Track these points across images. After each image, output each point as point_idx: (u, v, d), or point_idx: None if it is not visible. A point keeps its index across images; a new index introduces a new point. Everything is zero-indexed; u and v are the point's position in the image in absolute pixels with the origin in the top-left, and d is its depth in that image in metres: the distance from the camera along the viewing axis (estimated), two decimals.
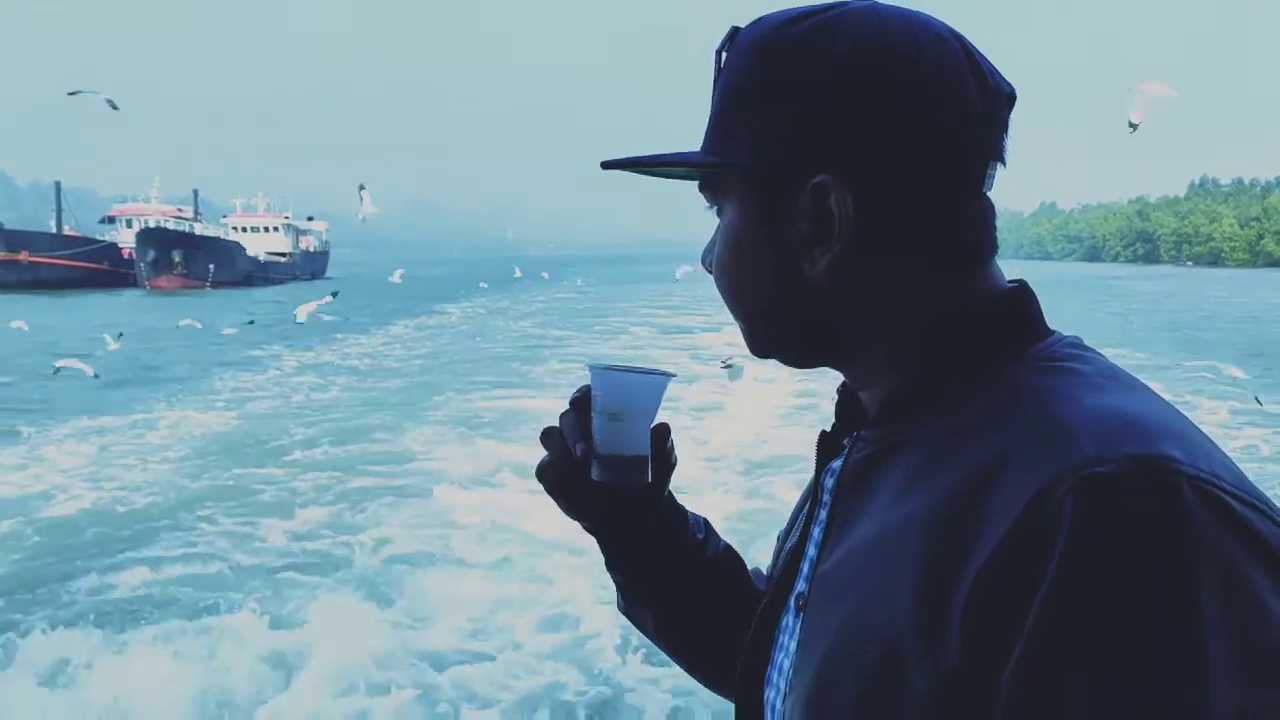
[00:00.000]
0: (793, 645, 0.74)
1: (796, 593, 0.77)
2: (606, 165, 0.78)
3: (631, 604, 0.97)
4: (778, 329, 0.75)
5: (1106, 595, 0.53)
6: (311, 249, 61.80)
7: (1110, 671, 0.53)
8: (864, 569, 0.67)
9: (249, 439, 11.35)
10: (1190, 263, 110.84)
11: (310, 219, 62.47)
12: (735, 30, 0.74)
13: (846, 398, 0.79)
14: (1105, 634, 0.53)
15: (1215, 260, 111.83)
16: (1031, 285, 0.74)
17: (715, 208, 0.77)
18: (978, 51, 0.70)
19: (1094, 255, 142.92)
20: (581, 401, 0.86)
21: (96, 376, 10.12)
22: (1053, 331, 0.72)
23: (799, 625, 0.74)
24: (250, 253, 52.46)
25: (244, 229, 55.36)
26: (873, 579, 0.65)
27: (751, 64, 0.71)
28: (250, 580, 6.74)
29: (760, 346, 0.77)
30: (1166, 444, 0.57)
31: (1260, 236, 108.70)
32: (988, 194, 0.71)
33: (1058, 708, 0.54)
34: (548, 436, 0.88)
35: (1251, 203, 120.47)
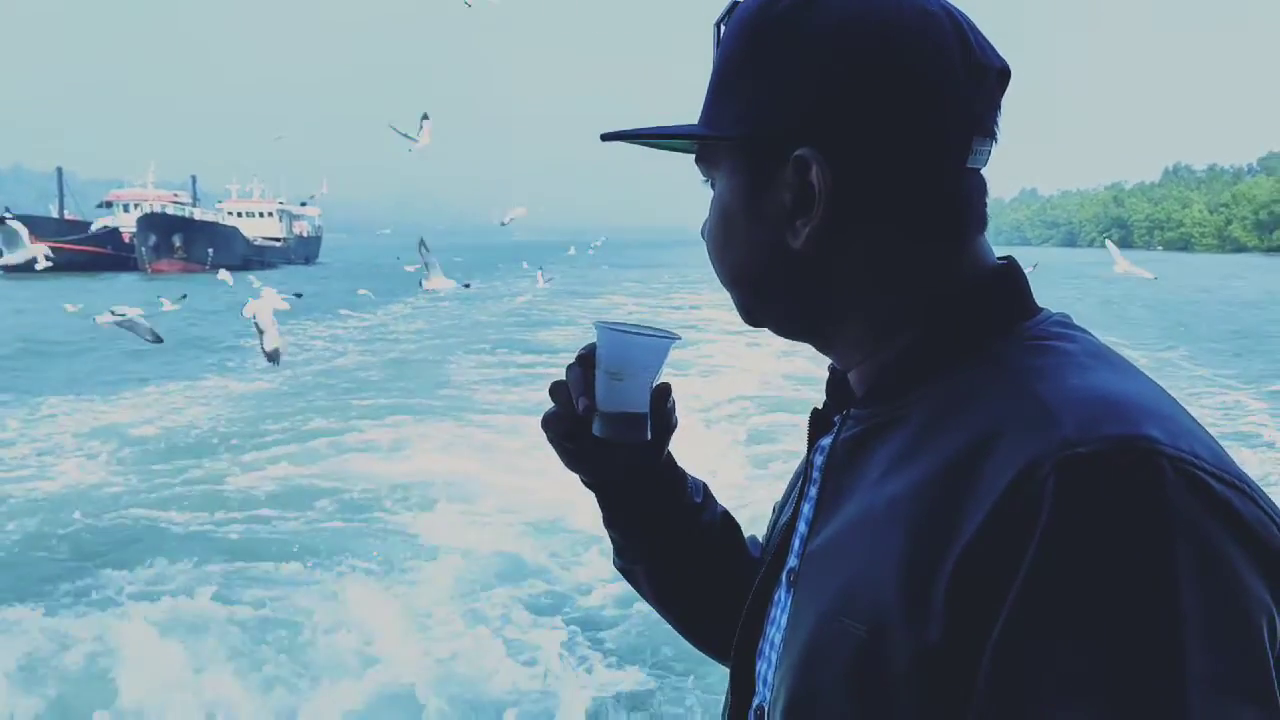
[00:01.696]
0: (783, 619, 0.76)
1: (788, 568, 0.78)
2: (606, 137, 0.79)
3: (628, 561, 0.99)
4: (764, 299, 0.76)
5: (1086, 572, 0.55)
6: (305, 234, 63.29)
7: (1089, 644, 0.54)
8: (851, 546, 0.68)
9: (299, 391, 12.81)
10: (1160, 247, 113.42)
11: (304, 204, 63.91)
12: (734, 4, 0.75)
13: (836, 376, 0.80)
14: (1085, 608, 0.54)
15: (1185, 245, 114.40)
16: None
17: (709, 180, 0.78)
18: (970, 26, 0.70)
19: (1071, 241, 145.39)
20: (588, 358, 0.87)
21: (160, 340, 11.66)
22: (1041, 309, 0.72)
23: (789, 600, 0.76)
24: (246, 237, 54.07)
25: (239, 214, 56.84)
26: (859, 556, 0.67)
27: (740, 38, 0.72)
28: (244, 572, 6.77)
29: (750, 315, 0.78)
30: (1148, 424, 0.58)
31: (1228, 222, 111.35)
32: (979, 170, 0.72)
33: (1038, 678, 0.55)
34: (556, 390, 0.89)
35: (1223, 189, 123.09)
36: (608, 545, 1.02)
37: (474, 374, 15.40)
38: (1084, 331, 0.70)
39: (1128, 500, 0.55)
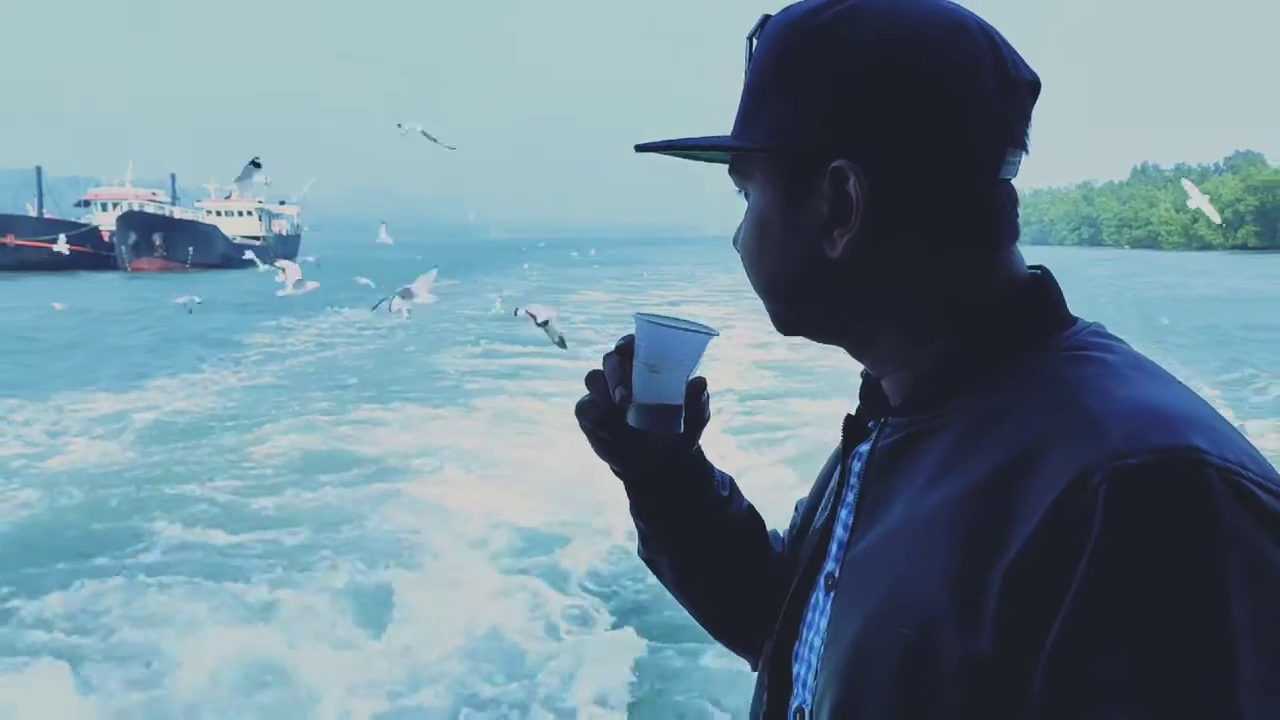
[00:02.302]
0: (823, 623, 0.76)
1: (825, 572, 0.79)
2: (641, 148, 0.81)
3: (653, 551, 0.99)
4: (800, 308, 0.77)
5: (1139, 581, 0.56)
6: (284, 232, 63.40)
7: (1144, 650, 0.55)
8: (897, 552, 0.69)
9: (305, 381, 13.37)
10: (1127, 246, 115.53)
11: (282, 203, 64.01)
12: (766, 18, 0.75)
13: (870, 383, 0.81)
14: (1138, 616, 0.55)
15: (1153, 243, 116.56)
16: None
17: (743, 191, 0.79)
18: (1002, 40, 0.71)
19: (1043, 239, 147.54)
20: (626, 349, 0.87)
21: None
22: (1076, 319, 0.73)
23: (829, 604, 0.76)
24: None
25: (218, 213, 56.98)
26: (906, 562, 0.67)
27: (776, 50, 0.73)
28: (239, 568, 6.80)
29: (785, 324, 0.79)
30: (1194, 435, 0.59)
31: (1194, 220, 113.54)
32: (1010, 181, 0.73)
33: (1093, 683, 0.56)
34: (592, 379, 0.90)
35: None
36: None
37: (464, 364, 16.13)
38: (1120, 341, 0.71)
39: (1178, 511, 0.56)
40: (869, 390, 0.82)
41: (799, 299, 0.77)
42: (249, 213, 58.65)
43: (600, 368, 0.91)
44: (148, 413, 12.09)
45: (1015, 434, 0.65)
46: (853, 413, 0.84)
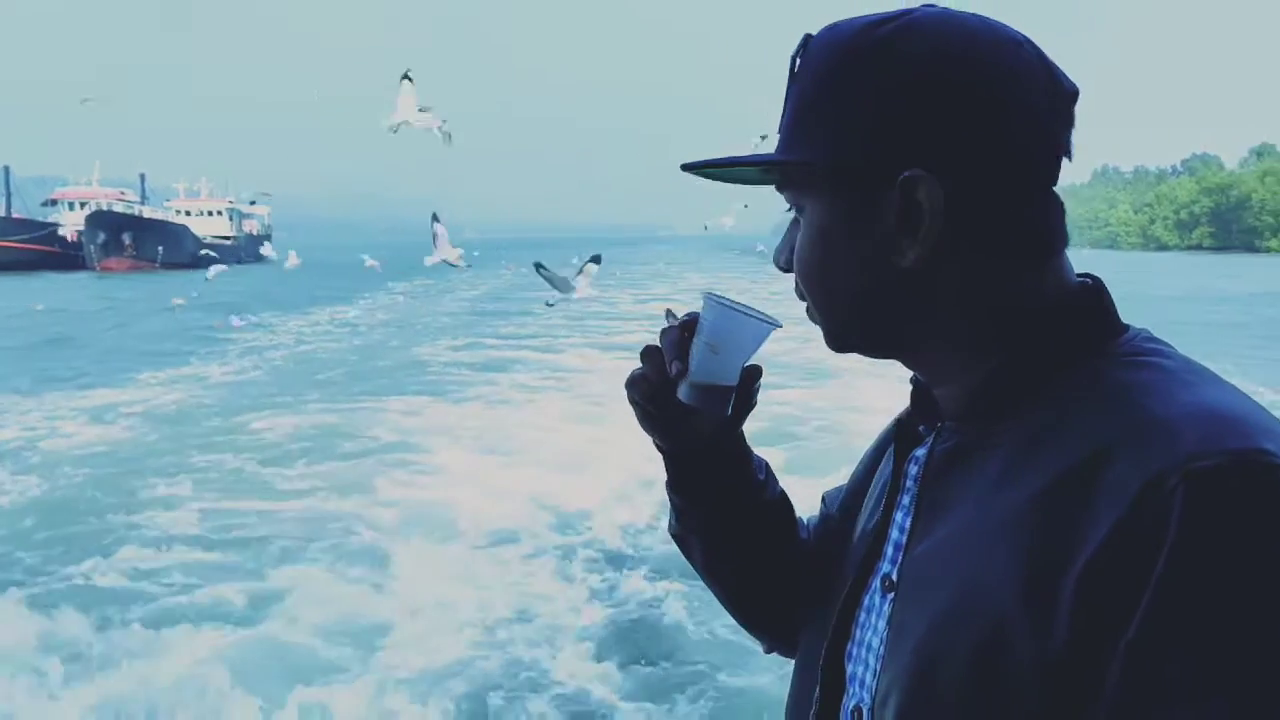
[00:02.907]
0: (881, 624, 0.78)
1: (881, 574, 0.80)
2: (686, 168, 0.82)
3: (685, 529, 1.00)
4: (861, 322, 0.78)
5: (1216, 579, 0.58)
6: (255, 232, 63.27)
7: (1220, 647, 0.57)
8: (963, 554, 0.70)
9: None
10: (1088, 247, 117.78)
11: (253, 203, 64.02)
12: (809, 37, 0.77)
13: (920, 388, 0.82)
14: (1215, 613, 0.57)
15: (1112, 244, 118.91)
16: None
17: (796, 208, 0.79)
18: (1044, 53, 0.74)
19: None
20: (689, 325, 0.88)
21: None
22: (1128, 325, 0.74)
23: (888, 606, 0.77)
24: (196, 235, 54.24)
25: (187, 213, 56.88)
26: (975, 564, 0.68)
27: (836, 66, 0.74)
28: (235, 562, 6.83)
29: (840, 340, 0.80)
30: (1263, 438, 0.61)
31: (1152, 221, 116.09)
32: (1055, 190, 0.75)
33: (1170, 678, 0.58)
34: (648, 353, 0.89)
35: (1147, 190, 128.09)
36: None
37: (448, 356, 16.68)
38: (1170, 346, 0.73)
39: (1253, 511, 0.58)
40: (920, 396, 0.83)
41: (864, 311, 0.78)
42: (219, 212, 58.61)
43: (656, 343, 0.90)
44: (169, 394, 12.45)
45: (1082, 438, 0.66)
46: (902, 418, 0.86)
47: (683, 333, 0.89)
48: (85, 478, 9.02)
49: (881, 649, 0.77)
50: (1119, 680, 0.60)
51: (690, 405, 0.88)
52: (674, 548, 1.05)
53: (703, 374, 0.87)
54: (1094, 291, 0.76)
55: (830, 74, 0.75)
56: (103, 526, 7.65)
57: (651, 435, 0.95)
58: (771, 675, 4.82)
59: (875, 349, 0.80)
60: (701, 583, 1.06)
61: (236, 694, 4.97)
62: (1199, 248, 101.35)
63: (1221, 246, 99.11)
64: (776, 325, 0.87)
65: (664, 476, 0.99)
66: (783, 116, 0.78)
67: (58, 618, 5.84)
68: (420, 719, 4.86)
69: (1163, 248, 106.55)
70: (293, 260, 19.62)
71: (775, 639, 1.03)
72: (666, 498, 1.00)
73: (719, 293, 0.89)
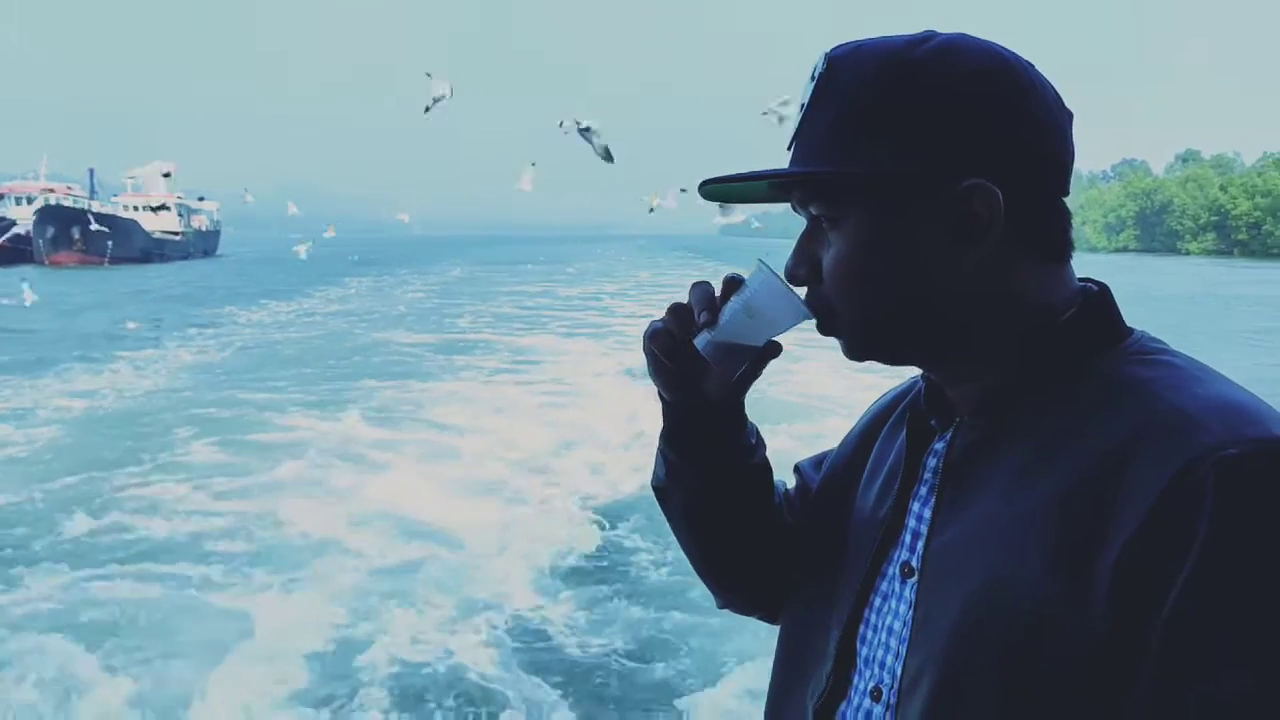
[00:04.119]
0: (904, 609, 0.81)
1: (900, 561, 0.83)
2: (708, 182, 0.85)
3: (672, 481, 1.01)
4: (899, 331, 0.80)
5: (1250, 558, 0.63)
6: (204, 228, 63.85)
7: (1256, 620, 0.62)
8: (996, 540, 0.73)
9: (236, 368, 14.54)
10: None
11: (201, 199, 64.37)
12: (833, 56, 0.80)
13: (934, 386, 0.85)
14: (1250, 589, 0.63)
15: None
16: None
17: (828, 220, 0.80)
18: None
19: None
20: (732, 283, 0.88)
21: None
22: (1132, 328, 0.79)
23: (909, 591, 0.81)
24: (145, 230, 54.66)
25: (136, 208, 57.19)
26: (1010, 548, 0.72)
27: (886, 82, 0.77)
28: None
29: (869, 350, 0.82)
30: (1276, 427, 0.67)
31: (1082, 224, 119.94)
32: None
33: (1208, 648, 0.63)
34: (676, 309, 0.89)
35: (1079, 193, 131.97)
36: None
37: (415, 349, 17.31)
38: (1170, 347, 0.78)
39: (1277, 493, 0.64)
40: (933, 392, 0.86)
41: (905, 320, 0.79)
42: (167, 208, 58.95)
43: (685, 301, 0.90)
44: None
45: (1106, 429, 0.71)
46: (914, 412, 0.88)
47: (725, 289, 0.88)
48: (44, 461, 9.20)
49: (905, 632, 0.80)
50: (1159, 656, 0.64)
51: (706, 357, 0.88)
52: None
53: (730, 332, 0.87)
54: (1102, 294, 0.80)
55: (879, 90, 0.77)
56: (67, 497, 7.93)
57: (660, 386, 0.96)
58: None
59: (904, 356, 0.84)
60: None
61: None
62: (1126, 250, 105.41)
63: (1146, 249, 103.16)
64: (811, 318, 0.85)
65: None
66: (811, 131, 0.80)
67: None
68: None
69: (1092, 249, 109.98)
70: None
71: (734, 597, 1.08)
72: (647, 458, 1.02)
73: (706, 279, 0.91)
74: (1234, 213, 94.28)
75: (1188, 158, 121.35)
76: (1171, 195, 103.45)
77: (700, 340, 0.88)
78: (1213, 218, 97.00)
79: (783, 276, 0.85)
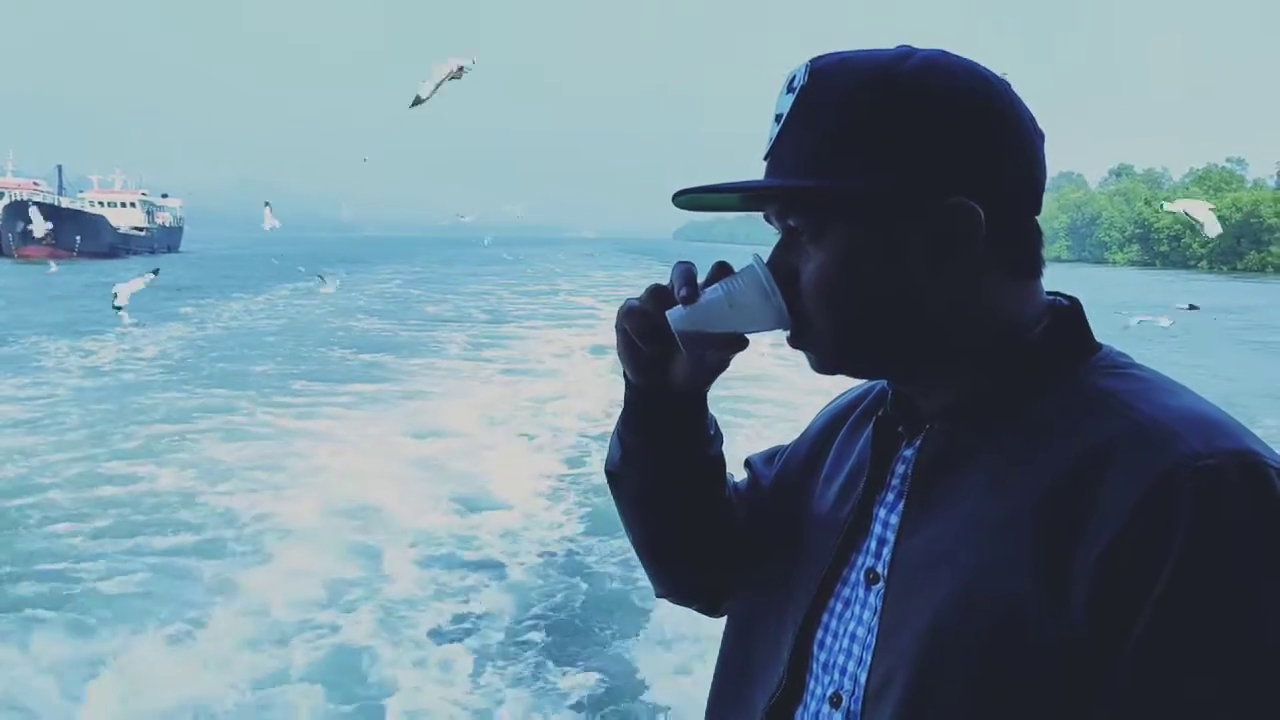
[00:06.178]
0: (867, 615, 0.81)
1: (864, 568, 0.83)
2: (681, 194, 0.86)
3: (627, 465, 1.00)
4: (874, 343, 0.81)
5: (1224, 564, 0.65)
6: (167, 224, 65.35)
7: (1229, 620, 0.65)
8: (969, 544, 0.74)
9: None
10: None
11: (165, 195, 65.84)
12: (814, 68, 0.80)
13: (899, 394, 0.86)
14: (1225, 594, 0.65)
15: None
16: None
17: (807, 233, 0.80)
18: None
19: None
20: (722, 267, 0.88)
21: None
22: (1100, 343, 0.81)
23: (874, 598, 0.81)
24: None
25: (103, 204, 58.67)
26: (984, 551, 0.73)
27: (870, 97, 0.77)
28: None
29: (841, 363, 0.83)
30: (1247, 439, 0.69)
31: None
32: None
33: (1183, 648, 0.65)
34: (655, 290, 0.89)
35: None
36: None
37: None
38: (1136, 361, 0.80)
39: (1254, 504, 0.66)
40: (899, 400, 0.86)
41: (881, 333, 0.80)
42: (133, 204, 60.53)
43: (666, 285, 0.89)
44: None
45: (1080, 439, 0.72)
46: (880, 418, 0.88)
47: (713, 272, 0.88)
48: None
49: (870, 639, 0.80)
50: (1132, 656, 0.66)
51: (675, 333, 0.87)
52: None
53: (705, 314, 0.86)
54: (1073, 309, 0.82)
55: (867, 106, 0.77)
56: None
57: (627, 367, 0.94)
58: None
59: (876, 369, 0.86)
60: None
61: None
62: (1058, 260, 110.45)
63: (1077, 259, 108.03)
64: (788, 328, 0.85)
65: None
66: (794, 144, 0.80)
67: None
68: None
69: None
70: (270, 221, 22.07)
71: (675, 586, 1.08)
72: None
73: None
74: (1156, 225, 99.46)
75: (1120, 172, 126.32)
76: (1100, 208, 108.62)
77: (674, 313, 0.87)
78: (1137, 230, 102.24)
79: (773, 278, 0.83)
